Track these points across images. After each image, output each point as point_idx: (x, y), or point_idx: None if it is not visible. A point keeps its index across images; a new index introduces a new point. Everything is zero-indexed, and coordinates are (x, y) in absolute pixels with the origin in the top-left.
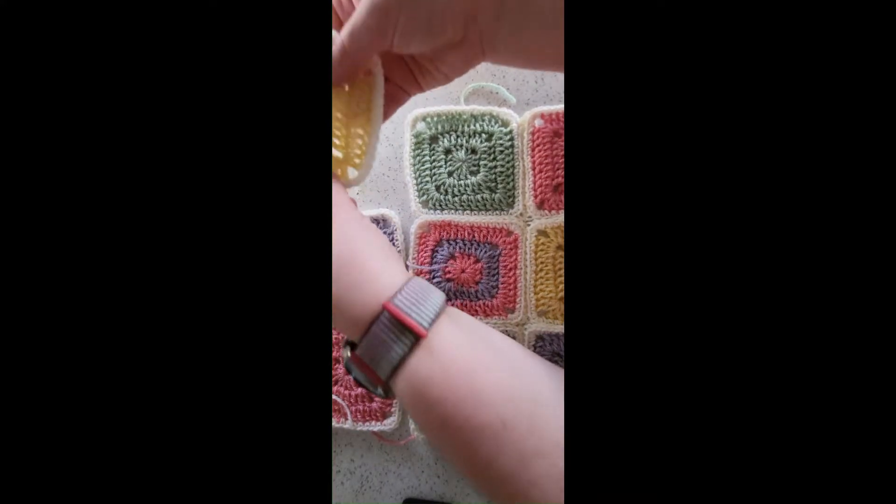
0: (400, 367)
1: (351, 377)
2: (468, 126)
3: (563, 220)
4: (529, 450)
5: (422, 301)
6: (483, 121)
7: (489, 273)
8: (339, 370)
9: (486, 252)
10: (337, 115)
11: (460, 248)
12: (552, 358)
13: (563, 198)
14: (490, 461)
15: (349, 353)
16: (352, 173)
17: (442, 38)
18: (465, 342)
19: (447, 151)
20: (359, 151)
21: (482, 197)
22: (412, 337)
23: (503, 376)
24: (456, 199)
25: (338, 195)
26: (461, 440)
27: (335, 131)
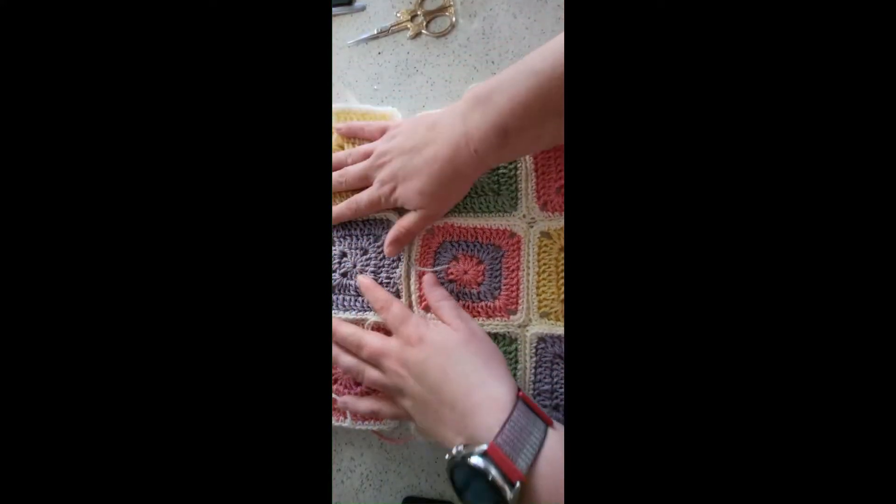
0: (541, 450)
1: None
2: None
3: None
4: None
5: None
6: None
7: (492, 275)
8: (338, 370)
9: (488, 254)
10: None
11: (463, 249)
12: (554, 360)
13: None
14: None
15: (484, 448)
16: None
17: None
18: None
19: None
20: None
21: (485, 199)
22: (543, 423)
23: None
24: (459, 201)
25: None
26: None
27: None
